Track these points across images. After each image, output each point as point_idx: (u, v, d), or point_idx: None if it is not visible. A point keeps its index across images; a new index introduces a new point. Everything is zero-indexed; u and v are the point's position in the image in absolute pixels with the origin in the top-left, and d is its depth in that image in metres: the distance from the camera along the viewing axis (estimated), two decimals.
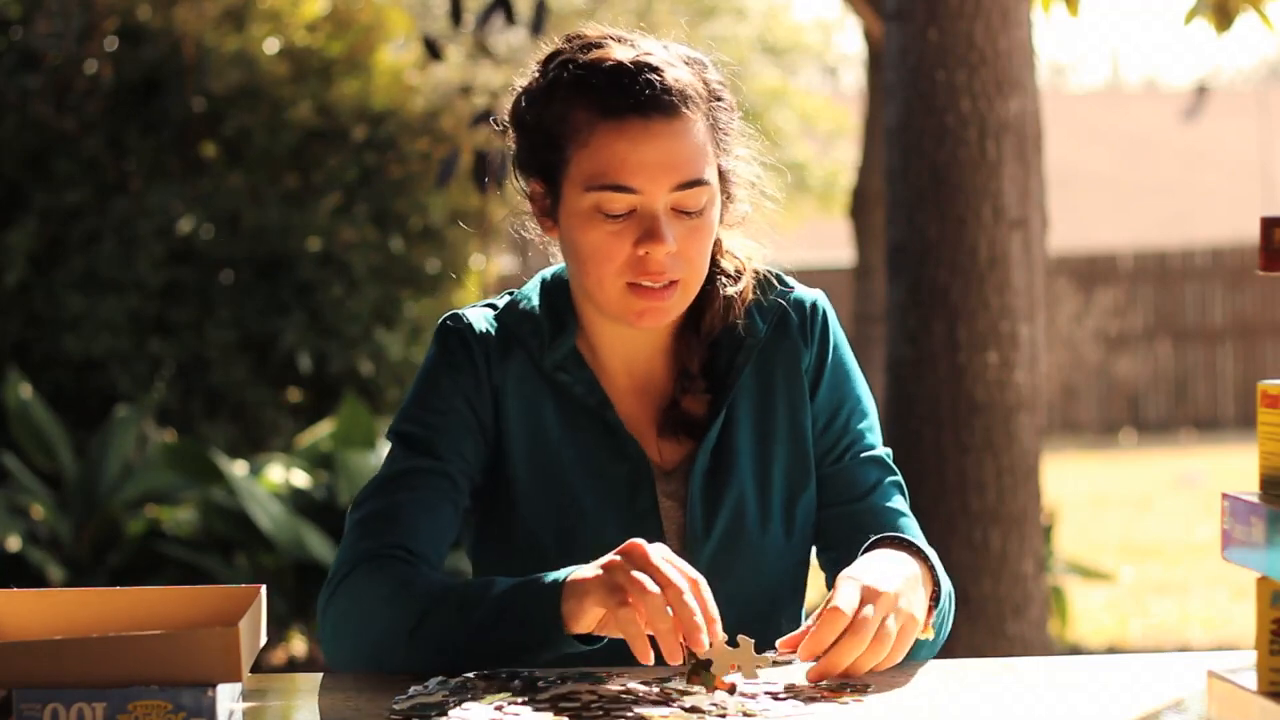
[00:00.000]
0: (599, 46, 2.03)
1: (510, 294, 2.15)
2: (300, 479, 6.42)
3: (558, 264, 2.16)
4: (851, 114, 16.39)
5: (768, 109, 15.26)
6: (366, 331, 7.52)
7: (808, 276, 2.22)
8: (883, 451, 2.14)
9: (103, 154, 7.46)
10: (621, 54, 2.01)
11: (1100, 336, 16.93)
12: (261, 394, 7.43)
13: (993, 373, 3.71)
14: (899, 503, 2.11)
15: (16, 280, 7.22)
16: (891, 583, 1.89)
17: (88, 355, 7.22)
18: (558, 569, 1.90)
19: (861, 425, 2.13)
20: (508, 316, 2.11)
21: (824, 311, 2.14)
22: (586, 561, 1.89)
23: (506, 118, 2.10)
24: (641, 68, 1.99)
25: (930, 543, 2.10)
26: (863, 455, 2.12)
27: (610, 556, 1.83)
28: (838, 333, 2.15)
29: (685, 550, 2.05)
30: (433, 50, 5.71)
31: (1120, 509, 11.20)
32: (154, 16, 7.58)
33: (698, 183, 2.00)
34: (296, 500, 6.33)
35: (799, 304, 2.14)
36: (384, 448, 6.46)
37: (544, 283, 2.14)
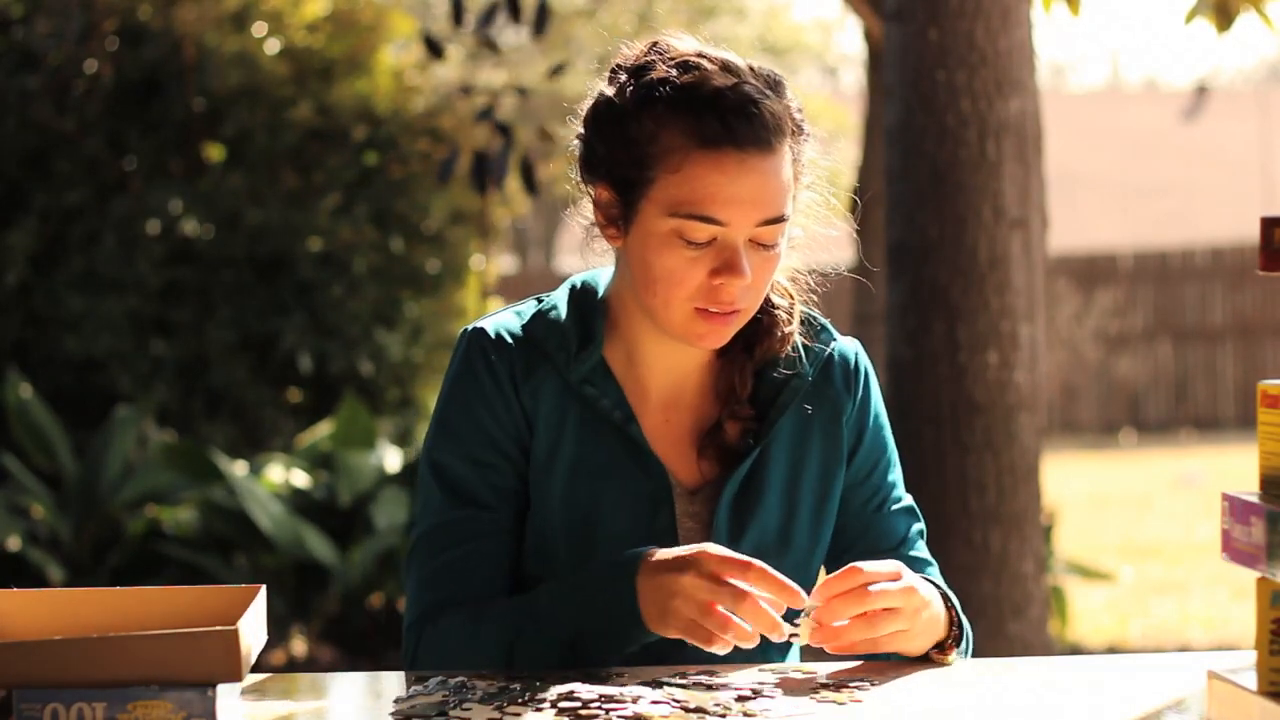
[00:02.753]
0: (696, 68, 1.99)
1: (538, 300, 2.12)
2: (300, 479, 6.42)
3: (586, 271, 2.13)
4: (851, 114, 16.40)
5: None
6: (366, 331, 7.51)
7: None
8: (909, 500, 2.19)
9: (103, 154, 7.46)
10: (720, 80, 1.98)
11: (1100, 336, 16.91)
12: (261, 394, 7.42)
13: (993, 373, 3.71)
14: (923, 550, 2.17)
15: (16, 280, 7.21)
16: (920, 585, 1.96)
17: (88, 355, 7.22)
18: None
19: (893, 476, 2.17)
20: (534, 327, 2.08)
21: (865, 365, 2.17)
22: None
23: (581, 118, 2.06)
24: (743, 99, 1.97)
25: (930, 543, 2.23)
26: (894, 507, 2.16)
27: (680, 582, 1.88)
28: (875, 386, 2.18)
29: None
30: (434, 49, 5.70)
31: (1120, 509, 11.20)
32: (154, 16, 7.58)
33: (781, 219, 2.00)
34: (296, 500, 6.33)
35: (843, 356, 2.15)
36: (383, 448, 6.51)
37: (573, 290, 2.12)
